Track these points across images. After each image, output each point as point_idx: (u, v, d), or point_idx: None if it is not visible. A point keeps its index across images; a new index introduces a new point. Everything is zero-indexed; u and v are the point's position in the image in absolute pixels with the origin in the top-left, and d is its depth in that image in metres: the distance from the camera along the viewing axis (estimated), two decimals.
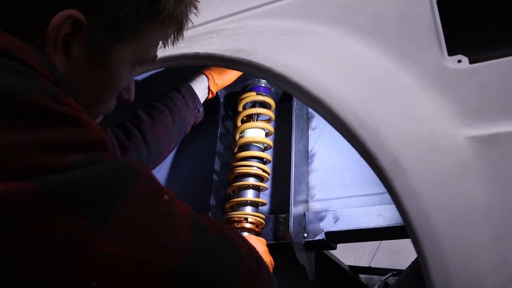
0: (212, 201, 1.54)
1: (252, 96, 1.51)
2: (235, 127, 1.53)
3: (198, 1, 0.81)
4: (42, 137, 0.47)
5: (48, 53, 0.63)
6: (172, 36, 0.79)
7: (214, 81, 1.43)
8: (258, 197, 1.44)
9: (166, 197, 0.55)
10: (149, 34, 0.73)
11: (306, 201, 1.44)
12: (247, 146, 1.47)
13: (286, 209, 1.35)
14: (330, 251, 1.59)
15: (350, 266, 2.02)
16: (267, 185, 1.49)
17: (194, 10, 0.80)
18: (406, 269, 1.22)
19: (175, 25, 0.77)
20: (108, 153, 0.55)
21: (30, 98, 0.48)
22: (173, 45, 0.82)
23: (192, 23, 0.82)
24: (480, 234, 0.64)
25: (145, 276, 0.48)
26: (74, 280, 0.45)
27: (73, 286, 0.45)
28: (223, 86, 1.50)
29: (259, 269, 0.65)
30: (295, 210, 1.32)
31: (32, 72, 0.53)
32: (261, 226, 1.39)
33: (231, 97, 1.64)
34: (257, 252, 0.70)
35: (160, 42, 0.80)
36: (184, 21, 0.78)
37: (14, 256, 0.43)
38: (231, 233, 0.65)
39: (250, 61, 0.85)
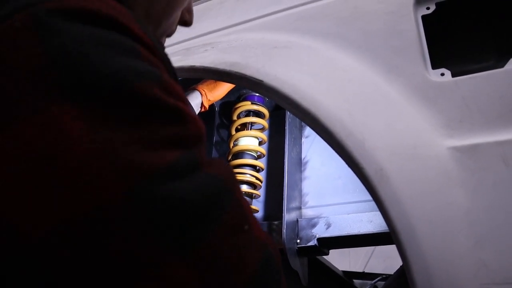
0: None
1: (246, 106, 1.55)
2: (230, 136, 1.57)
3: None
4: (145, 134, 0.42)
5: None
6: None
7: (207, 96, 1.47)
8: (251, 204, 1.47)
9: (246, 227, 0.51)
10: None
11: (299, 208, 1.47)
12: (240, 154, 1.50)
13: (280, 216, 1.38)
14: (324, 256, 1.62)
15: (344, 271, 2.05)
16: (260, 192, 1.52)
17: None
18: (394, 273, 1.25)
19: None
20: (204, 147, 0.51)
21: (137, 88, 0.43)
22: None
23: None
24: (461, 239, 0.67)
25: None
26: None
27: None
28: (215, 101, 1.53)
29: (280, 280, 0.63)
30: (288, 216, 1.35)
31: (137, 47, 0.46)
32: None
33: (226, 106, 1.68)
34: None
35: None
36: None
37: (93, 273, 0.39)
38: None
39: (243, 74, 0.88)
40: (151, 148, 0.42)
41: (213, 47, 1.07)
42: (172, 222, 0.41)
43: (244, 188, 1.46)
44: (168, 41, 1.30)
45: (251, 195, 1.47)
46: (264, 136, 1.55)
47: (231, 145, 1.54)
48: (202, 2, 1.38)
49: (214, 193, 0.46)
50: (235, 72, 0.90)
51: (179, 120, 0.46)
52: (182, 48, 1.20)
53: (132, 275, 0.39)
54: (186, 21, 0.81)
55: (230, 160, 1.52)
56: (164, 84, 0.45)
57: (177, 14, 0.75)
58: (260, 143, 1.57)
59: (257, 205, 1.57)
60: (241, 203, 0.50)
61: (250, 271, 0.47)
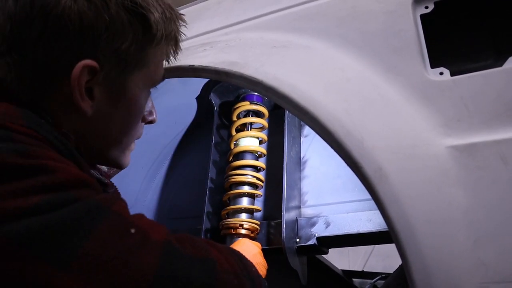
0: (208, 207, 1.57)
1: (246, 106, 1.54)
2: (230, 136, 1.57)
3: (183, 14, 0.89)
4: (9, 187, 0.53)
5: (76, 102, 0.72)
6: (172, 51, 0.86)
7: None
8: (253, 204, 1.47)
9: (133, 230, 0.58)
10: (152, 57, 0.80)
11: (298, 207, 1.48)
12: (241, 154, 1.50)
13: (279, 215, 1.38)
14: (324, 255, 1.62)
15: (343, 271, 2.05)
16: (261, 191, 1.52)
17: (183, 23, 0.87)
18: (394, 272, 1.25)
19: (171, 41, 0.84)
20: (88, 189, 0.60)
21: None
22: (175, 59, 0.89)
23: (185, 35, 0.89)
24: (460, 238, 0.67)
25: None
26: None
27: None
28: None
29: (240, 284, 0.68)
30: (288, 215, 1.35)
31: (8, 134, 0.60)
32: (256, 232, 1.43)
33: (225, 106, 1.68)
34: (243, 264, 0.74)
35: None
36: (178, 35, 0.86)
37: None
38: (210, 252, 0.67)
39: (242, 74, 0.88)
40: (16, 196, 0.53)
41: (211, 47, 1.07)
42: (45, 243, 0.51)
43: (246, 188, 1.47)
44: None
45: (253, 195, 1.47)
46: (264, 135, 1.55)
47: (232, 145, 1.54)
48: (200, 2, 1.38)
49: (85, 211, 0.55)
50: (234, 71, 0.90)
51: (43, 171, 0.57)
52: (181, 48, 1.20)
53: None
54: (151, 121, 0.92)
55: (232, 161, 1.52)
56: (27, 152, 0.57)
57: (138, 127, 0.87)
58: (261, 142, 1.57)
59: (257, 204, 1.57)
60: (121, 213, 0.59)
61: (146, 267, 0.55)
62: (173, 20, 0.82)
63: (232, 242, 1.37)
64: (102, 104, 0.76)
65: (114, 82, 0.76)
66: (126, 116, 0.81)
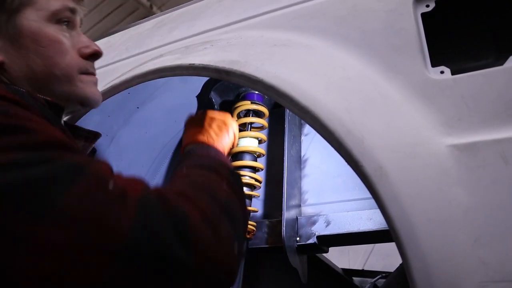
0: None
1: (246, 105, 1.54)
2: None
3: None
4: None
5: None
6: None
7: None
8: (250, 205, 1.47)
9: (110, 187, 0.59)
10: None
11: (299, 206, 1.48)
12: (240, 155, 1.50)
13: (279, 214, 1.38)
14: (324, 254, 1.62)
15: (343, 269, 2.05)
16: (260, 190, 1.52)
17: None
18: (394, 271, 1.25)
19: None
20: (67, 151, 0.63)
21: None
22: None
23: None
24: (460, 237, 0.67)
25: (90, 259, 0.54)
26: (24, 268, 0.52)
27: (24, 273, 0.52)
28: None
29: (216, 232, 0.65)
30: (288, 214, 1.35)
31: None
32: (252, 233, 1.43)
33: (225, 105, 1.68)
34: (218, 209, 0.69)
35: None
36: None
37: None
38: (184, 205, 0.65)
39: (242, 72, 0.88)
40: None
41: (212, 45, 1.07)
42: (22, 196, 0.54)
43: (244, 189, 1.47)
44: (167, 39, 1.31)
45: (250, 197, 1.47)
46: (263, 136, 1.55)
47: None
48: (200, 0, 1.38)
49: (64, 170, 0.58)
50: (235, 70, 0.90)
51: (23, 131, 0.61)
52: (181, 46, 1.20)
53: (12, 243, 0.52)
54: (92, 53, 0.95)
55: (231, 161, 1.52)
56: (7, 112, 0.62)
57: (68, 58, 0.91)
58: (260, 142, 1.57)
59: (257, 203, 1.57)
60: (100, 172, 0.61)
61: (122, 222, 0.56)
62: None
63: None
64: (7, 48, 0.86)
65: (6, 26, 0.85)
66: (40, 50, 0.87)
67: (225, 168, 0.85)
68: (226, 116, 1.21)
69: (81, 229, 0.54)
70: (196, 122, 1.18)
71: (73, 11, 0.94)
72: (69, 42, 0.92)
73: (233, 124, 1.22)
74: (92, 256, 0.54)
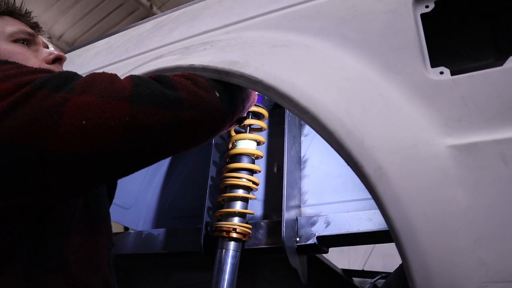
0: (208, 203, 1.58)
1: None
2: (229, 136, 1.57)
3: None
4: None
5: None
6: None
7: None
8: (246, 207, 1.47)
9: (106, 75, 0.84)
10: None
11: (299, 206, 1.48)
12: (238, 157, 1.50)
13: (279, 214, 1.38)
14: (324, 255, 1.62)
15: (343, 270, 2.05)
16: (260, 190, 1.52)
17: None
18: (394, 271, 1.26)
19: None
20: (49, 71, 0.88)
21: None
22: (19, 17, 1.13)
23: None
24: (460, 238, 0.67)
25: (112, 105, 0.77)
26: (70, 123, 0.75)
27: (71, 128, 0.75)
28: None
29: (195, 82, 0.89)
30: (288, 215, 1.35)
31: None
32: (248, 236, 1.44)
33: None
34: (194, 78, 0.91)
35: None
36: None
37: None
38: (166, 75, 0.89)
39: (242, 73, 0.88)
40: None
41: (212, 46, 1.07)
42: (54, 81, 0.79)
43: (240, 192, 1.47)
44: (166, 40, 1.31)
45: (246, 199, 1.48)
46: (262, 138, 1.55)
47: (230, 147, 1.54)
48: (201, 1, 1.37)
49: (67, 76, 0.82)
50: (235, 71, 0.90)
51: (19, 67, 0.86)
52: (181, 47, 1.20)
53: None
54: (56, 58, 1.12)
55: (228, 162, 1.52)
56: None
57: (29, 64, 1.03)
58: (258, 144, 1.57)
59: (257, 204, 1.57)
60: (87, 78, 0.83)
61: (125, 84, 0.81)
62: None
63: (223, 245, 1.39)
64: None
65: None
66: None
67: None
68: None
69: (98, 91, 0.78)
70: None
71: (30, 34, 1.10)
72: (29, 53, 1.07)
73: None
74: (113, 103, 0.77)
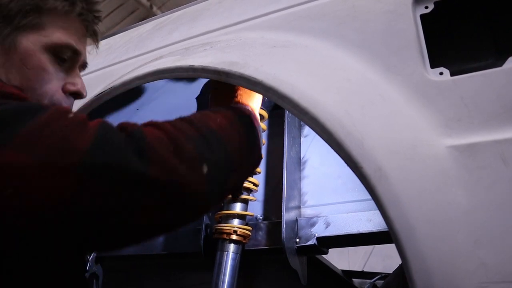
0: None
1: None
2: None
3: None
4: None
5: None
6: (77, 20, 0.95)
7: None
8: (246, 209, 1.47)
9: (70, 115, 0.66)
10: (47, 20, 0.91)
11: (298, 207, 1.48)
12: None
13: (279, 215, 1.38)
14: (323, 256, 1.62)
15: (343, 271, 2.05)
16: (260, 191, 1.52)
17: (99, 14, 0.99)
18: (394, 271, 1.25)
19: (63, 2, 0.92)
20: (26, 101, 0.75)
21: None
22: (86, 30, 0.98)
23: (98, 19, 1.00)
24: (460, 238, 0.67)
25: (53, 176, 0.58)
26: None
27: None
28: None
29: (178, 149, 0.68)
30: (287, 216, 1.35)
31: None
32: (248, 238, 1.44)
33: None
34: (191, 133, 0.72)
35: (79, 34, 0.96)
36: (77, 4, 0.94)
37: None
38: (142, 129, 0.69)
39: (242, 74, 0.88)
40: None
41: (212, 47, 1.07)
42: None
43: None
44: (166, 41, 1.31)
45: (246, 201, 1.47)
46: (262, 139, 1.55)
47: None
48: (200, 2, 1.38)
49: (27, 107, 0.65)
50: (234, 71, 0.90)
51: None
52: (181, 48, 1.20)
53: None
54: (75, 92, 0.96)
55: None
56: None
57: (46, 87, 0.91)
58: None
59: (256, 205, 1.57)
60: (60, 108, 0.71)
61: (81, 141, 0.61)
62: None
63: (224, 247, 1.38)
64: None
65: (4, 39, 0.88)
66: (24, 70, 0.89)
67: (234, 110, 0.89)
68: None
69: (42, 151, 0.59)
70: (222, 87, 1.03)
71: (75, 52, 0.95)
72: (56, 75, 0.93)
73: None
74: (54, 173, 0.58)
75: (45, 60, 0.91)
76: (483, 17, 0.98)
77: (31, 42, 0.89)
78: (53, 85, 0.92)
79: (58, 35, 0.92)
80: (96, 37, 1.02)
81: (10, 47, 0.88)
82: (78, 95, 0.97)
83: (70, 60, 0.95)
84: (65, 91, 0.94)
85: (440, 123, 0.77)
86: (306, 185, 1.53)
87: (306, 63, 0.92)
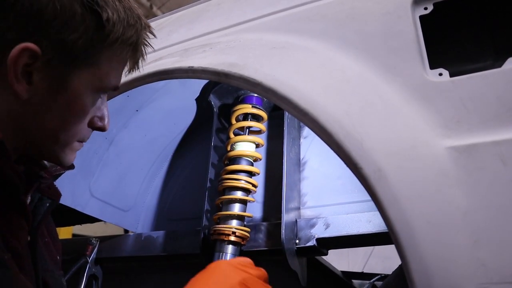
0: (207, 206, 1.58)
1: (244, 109, 1.54)
2: (228, 139, 1.57)
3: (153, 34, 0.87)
4: None
5: (10, 82, 0.71)
6: (131, 59, 0.84)
7: None
8: (245, 210, 1.47)
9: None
10: (105, 59, 0.79)
11: (298, 208, 1.48)
12: (237, 159, 1.51)
13: (278, 216, 1.38)
14: (323, 257, 1.62)
15: (343, 272, 2.05)
16: (258, 193, 1.52)
17: (151, 36, 0.86)
18: (393, 272, 1.25)
19: (128, 47, 0.81)
20: None
21: None
22: (134, 70, 0.87)
23: (152, 47, 0.87)
24: (459, 239, 0.67)
25: None
26: None
27: None
28: None
29: None
30: (287, 217, 1.35)
31: None
32: (246, 240, 1.44)
33: (224, 108, 1.68)
34: None
35: (126, 68, 0.86)
36: (138, 43, 0.83)
37: None
38: None
39: (241, 75, 0.88)
40: None
41: (211, 48, 1.07)
42: None
43: (239, 194, 1.47)
44: (166, 42, 1.31)
45: (245, 201, 1.47)
46: (261, 140, 1.55)
47: (228, 149, 1.54)
48: (200, 3, 1.38)
49: None
50: (234, 73, 0.90)
51: None
52: (181, 49, 1.20)
53: None
54: (100, 128, 0.87)
55: (227, 165, 1.52)
56: None
57: (80, 128, 0.82)
58: (257, 146, 1.57)
59: (256, 206, 1.57)
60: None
61: None
62: (136, 28, 0.80)
63: (222, 248, 1.38)
64: (40, 91, 0.74)
65: (56, 72, 0.74)
66: (65, 112, 0.78)
67: None
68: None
69: None
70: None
71: (116, 87, 0.87)
72: (91, 112, 0.84)
73: None
74: None
75: (88, 102, 0.81)
76: (482, 18, 0.98)
77: (83, 82, 0.78)
78: (84, 123, 0.84)
79: (111, 79, 0.82)
80: (136, 68, 0.90)
81: (58, 89, 0.76)
82: (101, 130, 0.89)
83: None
84: (91, 125, 0.85)
85: (439, 124, 0.77)
86: (306, 186, 1.53)
87: (305, 65, 0.92)
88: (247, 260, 0.86)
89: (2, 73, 0.71)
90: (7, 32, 0.70)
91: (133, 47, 0.82)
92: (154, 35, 0.87)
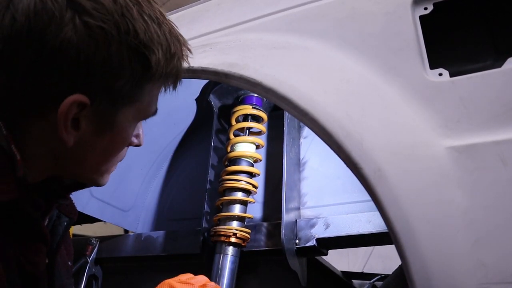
0: (206, 208, 1.58)
1: (244, 109, 1.54)
2: (228, 139, 1.57)
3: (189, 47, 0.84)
4: None
5: (60, 133, 0.70)
6: (170, 86, 0.84)
7: None
8: (245, 211, 1.47)
9: None
10: (147, 92, 0.78)
11: (298, 208, 1.48)
12: (237, 160, 1.51)
13: (278, 216, 1.38)
14: (323, 257, 1.62)
15: (343, 272, 2.05)
16: (259, 192, 1.52)
17: (189, 54, 0.84)
18: (393, 272, 1.25)
19: (171, 78, 0.81)
20: None
21: None
22: (174, 89, 0.86)
23: (188, 63, 0.86)
24: (459, 239, 0.67)
25: None
26: None
27: None
28: None
29: None
30: (287, 217, 1.35)
31: None
32: (247, 241, 1.44)
33: (225, 109, 1.68)
34: None
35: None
36: (179, 71, 0.82)
37: None
38: None
39: (241, 75, 0.88)
40: None
41: (211, 48, 1.07)
42: None
43: (239, 195, 1.47)
44: None
45: (245, 202, 1.47)
46: (261, 141, 1.55)
47: (228, 149, 1.54)
48: (200, 3, 1.38)
49: None
50: (234, 73, 0.90)
51: None
52: None
53: None
54: (137, 145, 0.87)
55: (227, 166, 1.52)
56: None
57: (120, 155, 0.83)
58: (257, 147, 1.57)
59: (256, 206, 1.57)
60: None
61: None
62: (177, 55, 0.78)
63: (222, 250, 1.38)
64: (87, 134, 0.74)
65: (103, 115, 0.73)
66: (109, 147, 0.79)
67: None
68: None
69: None
70: None
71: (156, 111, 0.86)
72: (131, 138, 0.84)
73: None
74: None
75: (131, 132, 0.81)
76: (482, 18, 0.98)
77: (127, 117, 0.77)
78: (123, 152, 0.85)
79: (152, 107, 0.82)
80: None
81: (105, 129, 0.75)
82: (138, 146, 0.89)
83: None
84: (128, 145, 0.85)
85: (439, 124, 0.77)
86: (306, 186, 1.53)
87: (305, 64, 0.92)
88: (187, 275, 1.01)
89: (52, 121, 0.69)
90: (55, 85, 0.67)
91: (175, 76, 0.81)
92: (191, 52, 0.84)
